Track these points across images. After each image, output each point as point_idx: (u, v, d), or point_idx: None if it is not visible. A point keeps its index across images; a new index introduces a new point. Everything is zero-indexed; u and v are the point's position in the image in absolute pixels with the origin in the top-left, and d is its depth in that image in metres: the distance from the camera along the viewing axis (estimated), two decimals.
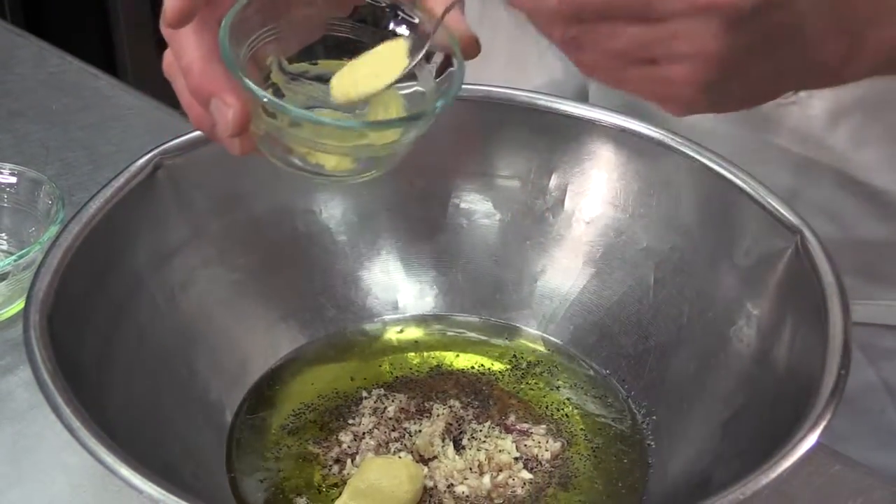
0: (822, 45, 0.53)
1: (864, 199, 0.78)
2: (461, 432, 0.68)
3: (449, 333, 0.76)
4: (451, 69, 0.58)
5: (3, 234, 0.84)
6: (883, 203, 0.78)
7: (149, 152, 0.70)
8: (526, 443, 0.68)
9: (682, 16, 0.49)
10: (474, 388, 0.72)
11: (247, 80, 0.53)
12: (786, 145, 0.76)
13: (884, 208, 0.78)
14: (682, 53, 0.50)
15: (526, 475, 0.66)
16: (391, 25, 0.59)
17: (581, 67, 0.53)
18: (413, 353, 0.75)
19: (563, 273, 0.76)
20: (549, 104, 0.75)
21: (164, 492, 0.52)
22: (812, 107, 0.74)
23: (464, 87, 0.77)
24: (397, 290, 0.77)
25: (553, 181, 0.76)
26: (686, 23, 0.49)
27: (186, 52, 0.56)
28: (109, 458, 0.54)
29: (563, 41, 0.51)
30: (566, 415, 0.71)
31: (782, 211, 0.67)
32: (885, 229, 0.79)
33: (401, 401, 0.70)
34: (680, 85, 0.51)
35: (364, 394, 0.71)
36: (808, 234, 0.65)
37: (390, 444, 0.67)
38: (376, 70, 0.58)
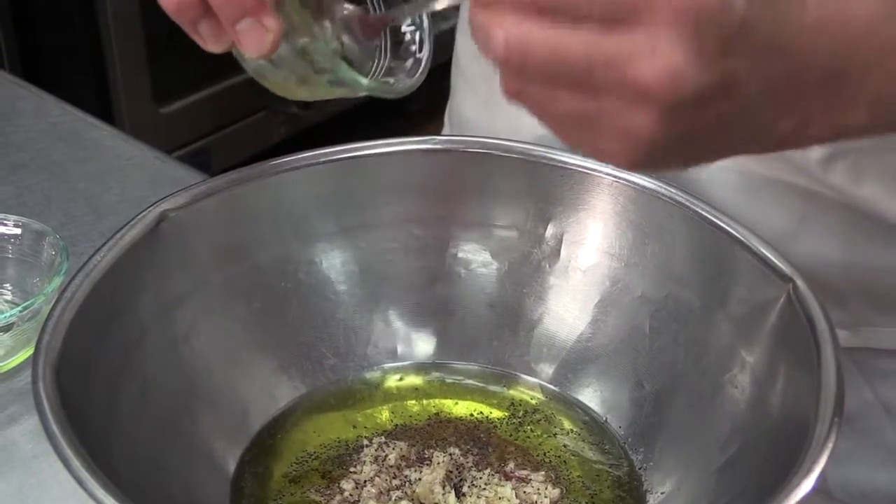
0: (769, 127, 0.51)
1: (870, 226, 0.79)
2: (461, 480, 0.69)
3: (448, 381, 0.77)
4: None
5: (8, 285, 0.85)
6: (889, 230, 0.79)
7: (152, 205, 0.71)
8: (525, 489, 0.69)
9: (618, 95, 0.47)
10: (473, 436, 0.73)
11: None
12: (792, 179, 0.77)
13: (890, 235, 0.79)
14: (615, 131, 0.48)
15: None
16: None
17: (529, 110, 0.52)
18: (413, 401, 0.76)
19: (560, 321, 0.77)
20: (544, 154, 0.76)
21: None
22: (811, 149, 0.75)
23: (460, 138, 0.79)
24: (397, 338, 0.79)
25: (549, 230, 0.77)
26: (621, 103, 0.47)
27: None
28: None
29: (506, 90, 0.50)
30: (564, 461, 0.72)
31: (775, 260, 0.68)
32: (893, 255, 0.80)
33: (401, 448, 0.71)
34: (612, 156, 0.50)
35: (365, 442, 0.72)
36: (800, 282, 0.66)
37: (391, 492, 0.68)
38: None
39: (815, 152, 0.75)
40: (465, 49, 0.94)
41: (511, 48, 0.47)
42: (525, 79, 0.48)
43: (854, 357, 0.82)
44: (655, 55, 0.45)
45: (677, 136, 0.48)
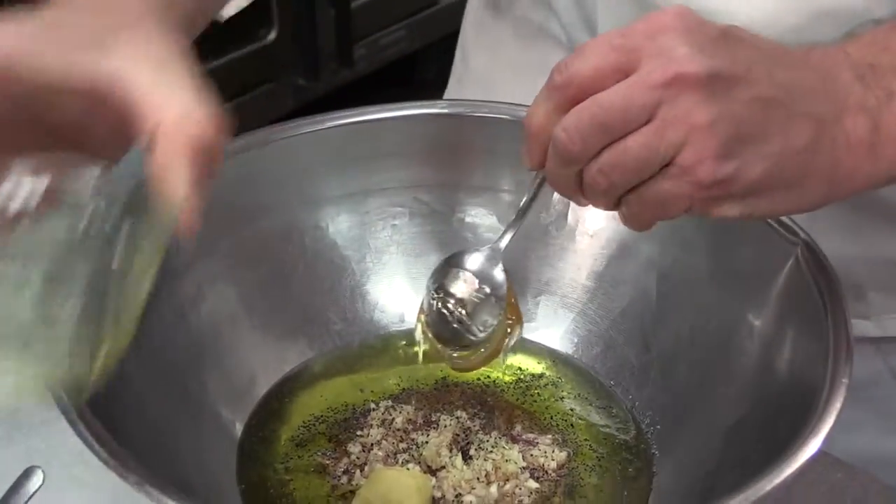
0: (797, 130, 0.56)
1: (881, 218, 0.78)
2: (468, 443, 0.69)
3: None
4: None
5: None
6: None
7: None
8: (532, 452, 0.69)
9: (662, 102, 0.53)
10: (480, 400, 0.73)
11: None
12: None
13: None
14: (680, 138, 0.53)
15: (532, 484, 0.67)
16: None
17: (623, 220, 0.59)
18: (419, 365, 0.76)
19: (567, 286, 0.77)
20: None
21: None
22: None
23: (469, 102, 0.79)
24: (404, 303, 0.78)
25: (556, 195, 0.76)
26: (669, 108, 0.53)
27: None
28: (124, 472, 0.54)
29: (590, 186, 0.57)
30: (571, 425, 0.72)
31: (783, 221, 0.68)
32: None
33: (408, 412, 0.71)
34: (695, 169, 0.54)
35: (372, 405, 0.72)
36: (808, 244, 0.66)
37: (398, 455, 0.68)
38: None
39: None
40: (471, 24, 0.94)
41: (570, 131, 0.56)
42: (586, 149, 0.56)
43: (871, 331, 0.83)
44: (663, 56, 0.53)
45: (727, 117, 0.53)
